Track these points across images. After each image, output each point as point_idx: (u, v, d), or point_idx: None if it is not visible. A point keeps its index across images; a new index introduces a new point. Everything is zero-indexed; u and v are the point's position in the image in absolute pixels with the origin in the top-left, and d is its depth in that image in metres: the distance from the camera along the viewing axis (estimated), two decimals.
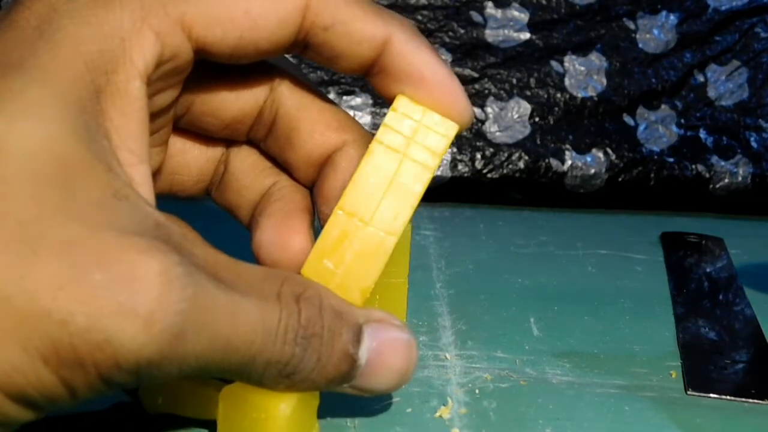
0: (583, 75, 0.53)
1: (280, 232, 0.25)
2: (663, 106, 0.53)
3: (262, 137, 0.26)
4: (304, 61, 0.50)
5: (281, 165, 0.26)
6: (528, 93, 0.53)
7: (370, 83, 0.24)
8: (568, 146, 0.52)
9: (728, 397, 0.30)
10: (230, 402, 0.23)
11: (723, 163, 0.53)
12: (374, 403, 0.28)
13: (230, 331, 0.20)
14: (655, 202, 0.53)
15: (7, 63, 0.19)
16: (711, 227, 0.48)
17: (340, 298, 0.23)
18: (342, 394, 0.23)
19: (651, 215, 0.52)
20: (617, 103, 0.53)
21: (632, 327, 0.36)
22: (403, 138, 0.24)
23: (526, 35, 0.53)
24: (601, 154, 0.52)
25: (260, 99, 0.25)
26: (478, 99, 0.53)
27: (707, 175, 0.52)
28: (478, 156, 0.52)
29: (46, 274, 0.17)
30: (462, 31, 0.53)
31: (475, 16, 0.53)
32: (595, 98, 0.53)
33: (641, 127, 0.53)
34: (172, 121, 0.24)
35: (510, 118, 0.53)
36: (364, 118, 0.52)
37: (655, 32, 0.54)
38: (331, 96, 0.52)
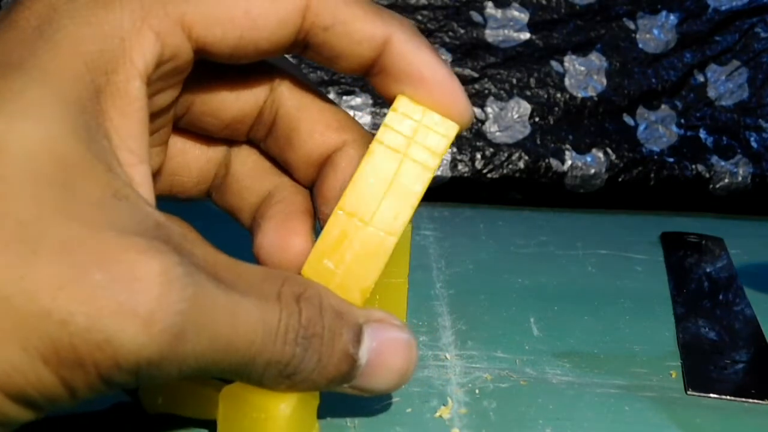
0: (583, 75, 0.53)
1: (281, 235, 0.25)
2: (663, 106, 0.53)
3: (262, 137, 0.26)
4: (304, 61, 0.50)
5: (282, 166, 0.26)
6: (528, 93, 0.53)
7: (370, 83, 0.24)
8: (568, 146, 0.52)
9: (728, 397, 0.30)
10: (230, 402, 0.23)
11: (723, 163, 0.53)
12: (374, 403, 0.28)
13: (230, 331, 0.20)
14: (655, 202, 0.53)
15: (7, 63, 0.19)
16: (711, 227, 0.48)
17: (341, 298, 0.23)
18: (342, 394, 0.23)
19: (651, 215, 0.52)
20: (617, 103, 0.53)
21: (632, 327, 0.36)
22: (403, 138, 0.24)
23: (526, 35, 0.53)
24: (601, 154, 0.52)
25: (260, 99, 0.25)
26: (478, 99, 0.53)
27: (707, 175, 0.52)
28: (478, 156, 0.52)
29: (46, 274, 0.17)
30: (462, 31, 0.53)
31: (475, 16, 0.53)
32: (595, 98, 0.53)
33: (641, 127, 0.53)
34: (172, 121, 0.24)
35: (510, 118, 0.53)
36: (364, 118, 0.52)
37: (655, 32, 0.54)
38: (331, 96, 0.52)
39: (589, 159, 0.52)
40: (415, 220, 0.46)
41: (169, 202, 0.26)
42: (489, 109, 0.53)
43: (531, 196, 0.52)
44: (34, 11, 0.20)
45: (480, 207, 0.51)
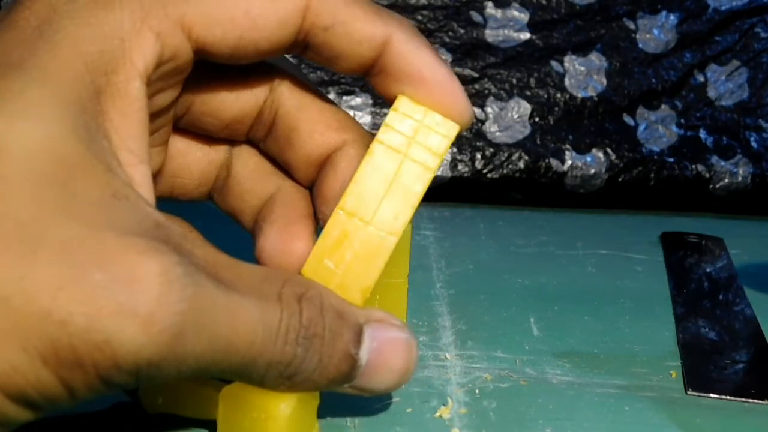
0: (583, 75, 0.53)
1: (283, 239, 0.25)
2: (663, 106, 0.53)
3: (262, 137, 0.26)
4: (304, 61, 0.50)
5: (283, 168, 0.26)
6: (528, 93, 0.53)
7: (370, 83, 0.24)
8: (568, 146, 0.52)
9: (728, 397, 0.30)
10: (230, 402, 0.23)
11: (723, 163, 0.53)
12: (374, 403, 0.28)
13: (230, 332, 0.20)
14: (655, 202, 0.53)
15: (7, 63, 0.19)
16: (711, 227, 0.48)
17: (341, 299, 0.23)
18: (342, 394, 0.23)
19: (651, 215, 0.52)
20: (617, 103, 0.53)
21: (632, 327, 0.36)
22: (404, 138, 0.24)
23: (526, 35, 0.53)
24: (601, 154, 0.52)
25: (260, 99, 0.25)
26: (478, 99, 0.53)
27: (707, 175, 0.52)
28: (478, 156, 0.52)
29: (46, 274, 0.17)
30: (462, 31, 0.53)
31: (475, 16, 0.53)
32: (595, 98, 0.53)
33: (641, 127, 0.53)
34: (172, 121, 0.24)
35: (510, 118, 0.53)
36: (364, 118, 0.52)
37: (655, 32, 0.54)
38: (331, 96, 0.52)
39: (589, 159, 0.52)
40: (415, 220, 0.46)
41: (170, 201, 0.26)
42: (489, 109, 0.53)
43: (531, 196, 0.52)
44: (34, 11, 0.20)
45: (480, 207, 0.51)
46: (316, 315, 0.21)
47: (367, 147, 0.24)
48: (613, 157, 0.52)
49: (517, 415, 0.28)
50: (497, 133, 0.52)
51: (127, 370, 0.18)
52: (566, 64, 0.53)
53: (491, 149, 0.52)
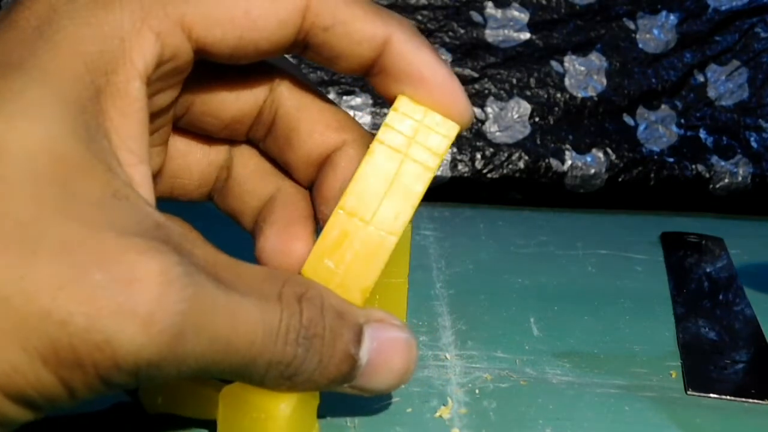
0: (583, 75, 0.53)
1: (283, 240, 0.25)
2: (663, 106, 0.53)
3: (262, 137, 0.26)
4: (304, 61, 0.50)
5: (282, 168, 0.26)
6: (528, 93, 0.53)
7: (370, 83, 0.24)
8: (568, 146, 0.52)
9: (728, 397, 0.30)
10: (230, 402, 0.23)
11: (723, 163, 0.53)
12: (374, 403, 0.28)
13: (230, 332, 0.20)
14: (655, 202, 0.53)
15: (7, 63, 0.19)
16: (711, 227, 0.48)
17: (341, 299, 0.23)
18: (342, 394, 0.23)
19: (651, 215, 0.52)
20: (617, 103, 0.53)
21: (632, 327, 0.36)
22: (404, 138, 0.24)
23: (526, 35, 0.53)
24: (601, 154, 0.52)
25: (260, 99, 0.25)
26: (478, 99, 0.53)
27: (707, 175, 0.52)
28: (478, 156, 0.52)
29: (46, 274, 0.17)
30: (462, 31, 0.53)
31: (475, 16, 0.53)
32: (595, 98, 0.53)
33: (641, 127, 0.53)
34: (172, 121, 0.24)
35: (510, 118, 0.53)
36: (364, 118, 0.52)
37: (655, 32, 0.54)
38: (331, 96, 0.52)
39: (589, 159, 0.52)
40: (415, 220, 0.46)
41: (170, 201, 0.26)
42: (489, 109, 0.53)
43: (531, 196, 0.52)
44: (34, 11, 0.20)
45: (480, 207, 0.51)
46: (316, 315, 0.21)
47: (367, 147, 0.24)
48: (613, 157, 0.52)
49: (517, 415, 0.28)
50: (497, 133, 0.52)
51: (127, 370, 0.18)
52: (566, 64, 0.53)
53: (491, 149, 0.52)
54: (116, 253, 0.18)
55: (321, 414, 0.25)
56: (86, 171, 0.19)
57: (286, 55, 0.26)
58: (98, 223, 0.18)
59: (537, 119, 0.53)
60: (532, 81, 0.53)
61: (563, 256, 0.43)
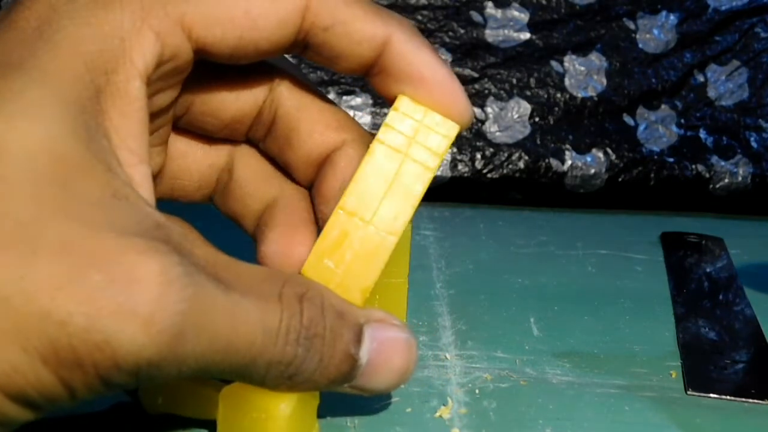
0: (583, 75, 0.53)
1: (285, 244, 0.25)
2: (663, 106, 0.53)
3: (262, 137, 0.26)
4: (304, 61, 0.50)
5: (284, 170, 0.26)
6: (528, 93, 0.53)
7: (370, 83, 0.24)
8: (568, 146, 0.52)
9: (728, 397, 0.30)
10: (230, 402, 0.23)
11: (723, 163, 0.53)
12: (374, 403, 0.28)
13: (230, 332, 0.20)
14: (655, 202, 0.53)
15: (7, 63, 0.19)
16: (711, 227, 0.48)
17: (341, 299, 0.23)
18: (342, 394, 0.23)
19: (651, 215, 0.52)
20: (617, 103, 0.53)
21: (632, 327, 0.36)
22: (404, 138, 0.24)
23: (526, 35, 0.53)
24: (601, 154, 0.52)
25: (260, 99, 0.25)
26: (478, 99, 0.53)
27: (707, 175, 0.52)
28: (478, 156, 0.52)
29: (46, 274, 0.17)
30: (462, 31, 0.53)
31: (475, 16, 0.53)
32: (595, 98, 0.53)
33: (641, 127, 0.53)
34: (172, 121, 0.24)
35: (510, 118, 0.53)
36: (364, 118, 0.52)
37: (655, 32, 0.54)
38: (331, 96, 0.52)
39: (589, 159, 0.52)
40: (415, 220, 0.46)
41: (171, 202, 0.26)
42: (489, 109, 0.53)
43: (531, 196, 0.52)
44: (34, 12, 0.20)
45: (480, 207, 0.51)
46: (317, 315, 0.21)
47: (367, 147, 0.24)
48: (613, 157, 0.52)
49: (517, 415, 0.28)
50: (497, 133, 0.52)
51: (126, 370, 0.18)
52: (566, 64, 0.53)
53: (491, 149, 0.52)
54: (116, 253, 0.18)
55: (321, 414, 0.25)
56: (86, 171, 0.19)
57: (286, 55, 0.26)
58: (98, 223, 0.18)
59: (537, 119, 0.53)
60: (532, 81, 0.53)
61: (563, 256, 0.43)
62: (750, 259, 0.44)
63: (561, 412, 0.28)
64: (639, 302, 0.38)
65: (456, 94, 0.24)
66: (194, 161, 0.26)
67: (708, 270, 0.42)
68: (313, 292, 0.22)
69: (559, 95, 0.53)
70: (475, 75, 0.53)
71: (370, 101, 0.52)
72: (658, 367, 0.32)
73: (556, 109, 0.53)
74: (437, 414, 0.28)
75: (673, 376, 0.32)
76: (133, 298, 0.18)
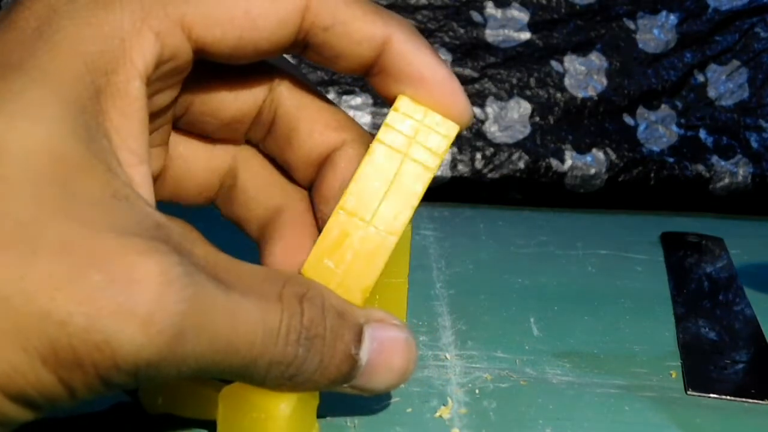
0: (583, 75, 0.53)
1: (289, 254, 0.25)
2: (663, 106, 0.53)
3: (261, 137, 0.26)
4: (304, 61, 0.50)
5: (286, 173, 0.26)
6: (528, 93, 0.53)
7: (370, 83, 0.24)
8: (568, 146, 0.52)
9: (728, 397, 0.30)
10: (230, 402, 0.23)
11: (723, 163, 0.53)
12: (374, 403, 0.28)
13: (230, 332, 0.20)
14: (655, 202, 0.53)
15: (7, 63, 0.19)
16: (711, 227, 0.48)
17: (342, 299, 0.23)
18: (342, 394, 0.23)
19: (651, 215, 0.52)
20: (617, 103, 0.53)
21: (632, 327, 0.36)
22: (404, 138, 0.24)
23: (526, 35, 0.53)
24: (601, 154, 0.52)
25: (259, 99, 0.25)
26: (478, 99, 0.53)
27: (707, 175, 0.52)
28: (478, 156, 0.52)
29: (46, 274, 0.17)
30: (462, 31, 0.53)
31: (475, 16, 0.53)
32: (595, 98, 0.53)
33: (641, 127, 0.53)
34: (171, 121, 0.24)
35: (510, 118, 0.53)
36: (364, 118, 0.52)
37: (655, 32, 0.54)
38: (331, 96, 0.52)
39: (589, 159, 0.52)
40: (415, 220, 0.46)
41: (171, 204, 0.26)
42: (489, 109, 0.53)
43: (531, 196, 0.52)
44: (34, 12, 0.20)
45: (480, 207, 0.51)
46: (317, 315, 0.21)
47: (367, 147, 0.24)
48: (613, 157, 0.52)
49: (517, 415, 0.28)
50: (497, 133, 0.52)
51: (126, 371, 0.18)
52: (566, 64, 0.53)
53: (491, 149, 0.52)
54: (116, 253, 0.18)
55: (321, 414, 0.25)
56: (86, 171, 0.19)
57: (286, 55, 0.26)
58: (98, 224, 0.18)
59: (537, 119, 0.53)
60: (532, 81, 0.53)
61: (563, 256, 0.43)
62: (750, 259, 0.44)
63: (561, 412, 0.28)
64: (639, 302, 0.38)
65: (456, 94, 0.24)
66: (196, 164, 0.26)
67: (708, 270, 0.42)
68: (313, 293, 0.22)
69: (559, 95, 0.53)
70: (475, 75, 0.53)
71: (370, 101, 0.52)
72: (658, 367, 0.32)
73: (556, 109, 0.53)
74: (437, 414, 0.28)
75: (673, 376, 0.32)
76: (133, 298, 0.18)
